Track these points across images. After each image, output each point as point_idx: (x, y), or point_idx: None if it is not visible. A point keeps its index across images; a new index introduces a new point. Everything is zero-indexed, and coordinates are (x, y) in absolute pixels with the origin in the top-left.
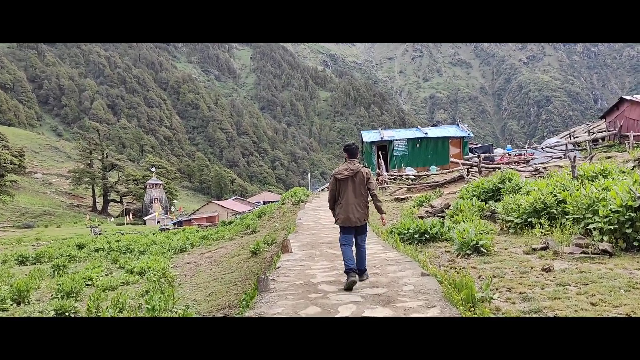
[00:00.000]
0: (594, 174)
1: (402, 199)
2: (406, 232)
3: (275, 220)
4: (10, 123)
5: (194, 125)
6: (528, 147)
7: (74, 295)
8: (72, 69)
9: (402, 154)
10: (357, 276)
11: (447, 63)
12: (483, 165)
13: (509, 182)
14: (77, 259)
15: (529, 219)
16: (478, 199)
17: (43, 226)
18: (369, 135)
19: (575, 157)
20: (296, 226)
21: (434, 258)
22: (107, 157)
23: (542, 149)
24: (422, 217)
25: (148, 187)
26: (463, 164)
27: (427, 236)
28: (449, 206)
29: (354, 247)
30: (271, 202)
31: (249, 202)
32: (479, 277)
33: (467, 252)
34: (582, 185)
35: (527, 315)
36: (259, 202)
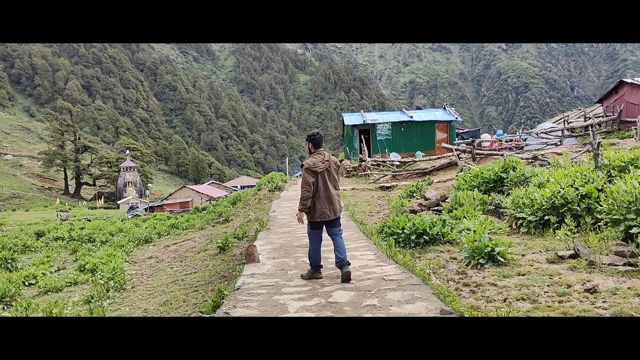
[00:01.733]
0: (622, 164)
1: (388, 188)
2: (400, 232)
3: (250, 209)
4: None
5: (171, 108)
6: (522, 133)
7: (8, 299)
8: (46, 48)
9: (386, 138)
10: (344, 268)
11: (427, 48)
12: (478, 151)
13: (513, 171)
14: (33, 250)
15: (546, 217)
16: (478, 190)
17: (10, 210)
18: (351, 118)
19: (598, 143)
20: (269, 220)
21: (439, 268)
22: (79, 138)
23: (536, 134)
24: (414, 211)
25: (122, 170)
26: (456, 150)
27: (427, 238)
28: (446, 198)
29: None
30: (249, 187)
31: (226, 186)
32: (505, 300)
33: (480, 261)
34: (610, 177)
35: None
36: (236, 187)
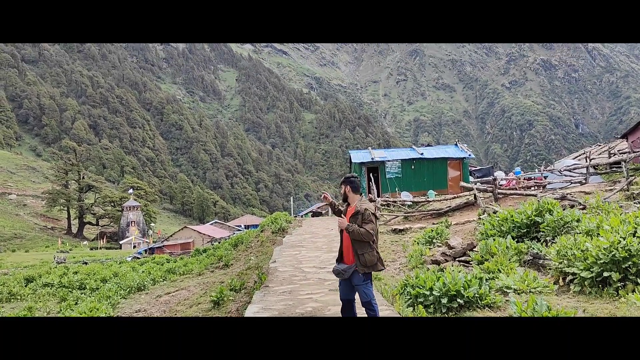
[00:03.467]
0: None
1: (401, 231)
2: (428, 293)
3: (252, 252)
4: None
5: (177, 147)
6: (543, 170)
7: None
8: (54, 88)
9: (396, 176)
10: None
11: (430, 87)
12: (500, 191)
13: (549, 214)
14: (18, 298)
15: (605, 273)
16: (506, 236)
17: (10, 251)
18: (358, 156)
19: (629, 181)
20: (268, 273)
21: None
22: (83, 177)
23: (559, 171)
24: (437, 262)
25: (125, 209)
26: (478, 189)
27: (461, 301)
28: (474, 247)
29: None
30: (253, 226)
31: (229, 226)
32: None
33: None
34: None
35: None
36: (240, 226)
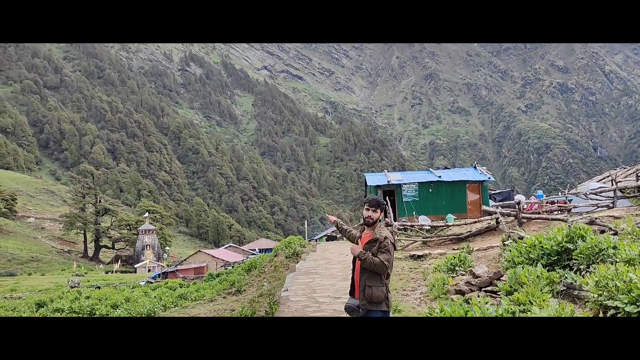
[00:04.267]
0: None
1: (420, 257)
2: None
3: (265, 277)
4: (8, 167)
5: (194, 170)
6: (567, 193)
7: None
8: (74, 114)
9: (413, 199)
10: None
11: (446, 110)
12: (525, 215)
13: (582, 241)
14: None
15: None
16: (535, 264)
17: (27, 274)
18: (374, 179)
19: None
20: (279, 304)
21: None
22: (100, 201)
23: (584, 195)
24: (461, 292)
25: (141, 232)
26: (501, 213)
27: None
28: (501, 275)
29: None
30: (267, 250)
31: (243, 249)
32: None
33: None
34: None
35: None
36: (254, 250)
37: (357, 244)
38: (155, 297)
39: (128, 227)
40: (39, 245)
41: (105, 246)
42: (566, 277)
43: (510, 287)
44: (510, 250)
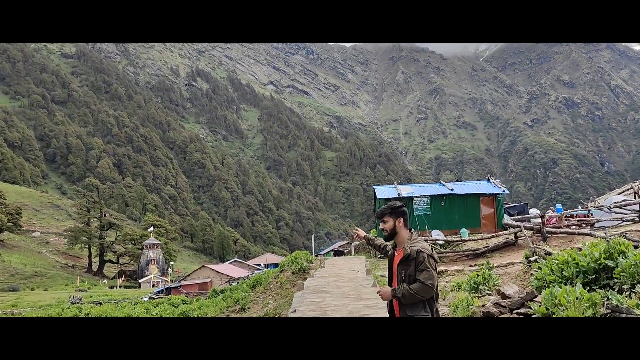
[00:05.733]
0: None
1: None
2: None
3: (271, 294)
4: (14, 181)
5: (199, 185)
6: (590, 206)
7: None
8: (81, 128)
9: (424, 213)
10: None
11: (451, 125)
12: (549, 229)
13: (624, 257)
14: None
15: None
16: (569, 283)
17: (29, 289)
18: (384, 191)
19: None
20: None
21: None
22: (105, 215)
23: (608, 208)
24: (490, 315)
25: (145, 247)
26: (527, 228)
27: None
28: (535, 296)
29: None
30: (273, 265)
31: (248, 265)
32: None
33: None
34: None
35: None
36: (259, 265)
37: (391, 263)
38: (156, 314)
39: (132, 242)
40: (43, 259)
41: (110, 261)
42: (610, 299)
43: (547, 309)
44: (541, 268)
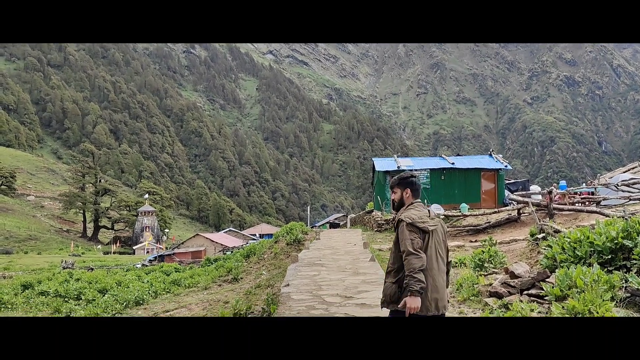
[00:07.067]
0: None
1: None
2: None
3: (264, 264)
4: (9, 144)
5: (196, 153)
6: (597, 184)
7: None
8: (77, 93)
9: (424, 187)
10: None
11: (451, 100)
12: (556, 206)
13: None
14: (9, 307)
15: None
16: (583, 263)
17: (23, 253)
18: (383, 164)
19: None
20: (279, 303)
21: None
22: (100, 181)
23: (615, 186)
24: (497, 295)
25: (140, 214)
26: (535, 204)
27: None
28: (547, 276)
29: None
30: (268, 235)
31: (244, 234)
32: None
33: None
34: None
35: None
36: (254, 235)
37: None
38: (147, 282)
39: (128, 208)
40: (38, 223)
41: (105, 227)
42: (631, 282)
43: (561, 291)
44: (551, 246)
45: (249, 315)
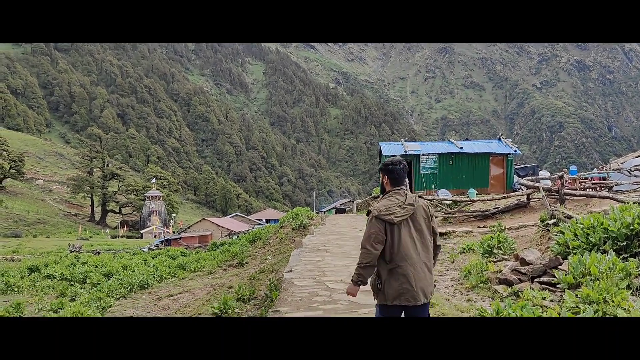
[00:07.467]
0: None
1: (442, 234)
2: None
3: (269, 249)
4: (18, 128)
5: (203, 138)
6: (609, 169)
7: None
8: (84, 77)
9: (431, 172)
10: None
11: (459, 85)
12: (567, 191)
13: None
14: (15, 290)
15: None
16: (597, 250)
17: (32, 236)
18: (390, 148)
19: None
20: (281, 289)
21: None
22: (107, 165)
23: (628, 171)
24: (507, 282)
25: (147, 198)
26: (545, 189)
27: None
28: (560, 264)
29: None
30: (274, 220)
31: (250, 219)
32: None
33: None
34: None
35: None
36: (261, 220)
37: None
38: (152, 266)
39: (135, 193)
40: (46, 207)
41: (112, 211)
42: None
43: (575, 278)
44: (563, 232)
45: (252, 301)
